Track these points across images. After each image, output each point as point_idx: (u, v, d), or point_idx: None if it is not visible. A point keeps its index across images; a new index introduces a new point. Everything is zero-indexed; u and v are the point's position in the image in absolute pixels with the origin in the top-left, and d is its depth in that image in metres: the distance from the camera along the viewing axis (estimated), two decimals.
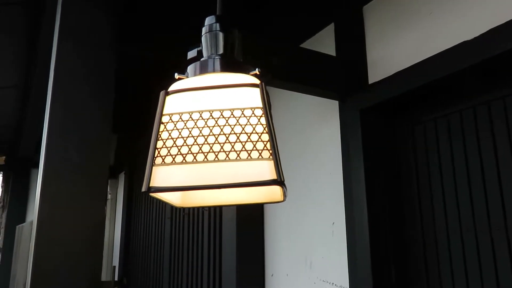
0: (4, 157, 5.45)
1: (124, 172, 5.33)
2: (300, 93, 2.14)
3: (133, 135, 4.48)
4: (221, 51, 0.78)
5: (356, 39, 2.10)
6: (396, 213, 1.91)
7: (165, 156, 0.68)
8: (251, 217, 2.57)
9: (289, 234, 2.38)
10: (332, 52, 2.20)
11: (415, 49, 1.81)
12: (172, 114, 0.70)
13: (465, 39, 1.59)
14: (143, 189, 0.67)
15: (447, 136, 1.78)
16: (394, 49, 1.92)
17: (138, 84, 3.42)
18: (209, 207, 3.07)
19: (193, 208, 3.29)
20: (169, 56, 1.79)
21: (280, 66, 1.82)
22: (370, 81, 2.02)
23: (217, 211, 2.95)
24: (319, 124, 2.28)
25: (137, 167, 4.96)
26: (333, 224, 2.08)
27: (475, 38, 1.56)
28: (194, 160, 0.67)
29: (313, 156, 2.27)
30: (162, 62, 2.49)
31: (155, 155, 0.68)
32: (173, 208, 3.77)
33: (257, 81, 0.72)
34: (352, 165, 1.97)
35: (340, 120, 2.10)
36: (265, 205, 2.61)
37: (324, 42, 2.30)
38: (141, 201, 4.79)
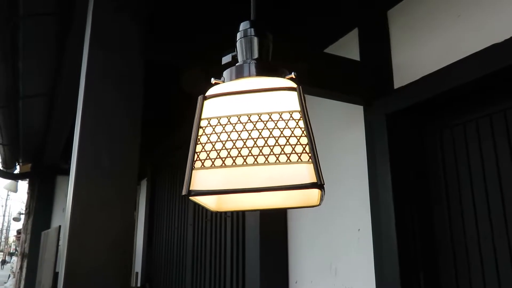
0: (30, 165, 5.58)
1: (146, 178, 5.38)
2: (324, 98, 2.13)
3: (155, 142, 4.52)
4: (256, 55, 0.79)
5: (381, 44, 2.09)
6: (425, 219, 1.88)
7: (204, 160, 0.68)
8: (275, 224, 2.56)
9: (313, 241, 2.36)
10: (356, 58, 2.19)
11: (443, 53, 1.79)
12: (210, 118, 0.71)
13: (495, 42, 1.56)
14: (183, 192, 0.67)
15: (476, 140, 1.74)
16: (421, 53, 1.90)
17: (159, 91, 3.45)
18: (232, 213, 3.07)
19: (216, 214, 3.29)
20: (190, 63, 1.80)
21: (305, 71, 1.81)
22: (396, 85, 2.00)
23: (239, 217, 2.95)
24: (343, 129, 2.26)
25: (159, 174, 5.00)
26: (358, 231, 2.06)
27: (506, 40, 1.53)
28: (233, 164, 0.67)
29: (338, 161, 2.26)
30: (182, 69, 2.52)
31: (195, 159, 0.68)
32: (195, 215, 3.79)
33: (294, 85, 0.72)
34: (378, 170, 1.95)
35: (365, 125, 2.09)
36: (288, 211, 2.60)
37: (347, 48, 2.29)
38: (163, 207, 4.82)
